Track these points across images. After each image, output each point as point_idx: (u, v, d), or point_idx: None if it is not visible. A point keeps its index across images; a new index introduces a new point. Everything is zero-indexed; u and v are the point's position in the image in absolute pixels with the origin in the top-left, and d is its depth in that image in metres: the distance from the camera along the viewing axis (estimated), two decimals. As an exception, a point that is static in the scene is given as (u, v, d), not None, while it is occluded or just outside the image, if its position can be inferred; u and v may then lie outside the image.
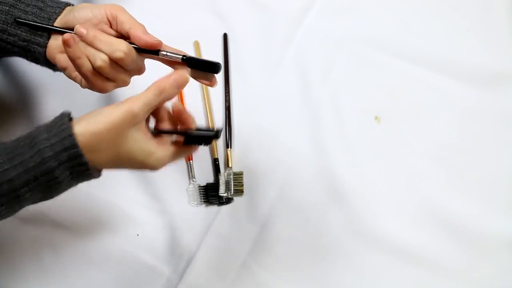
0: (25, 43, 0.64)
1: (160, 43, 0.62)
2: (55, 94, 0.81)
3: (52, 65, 0.66)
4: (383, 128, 0.83)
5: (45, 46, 0.64)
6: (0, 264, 0.72)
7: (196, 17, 0.90)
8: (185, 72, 0.60)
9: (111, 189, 0.76)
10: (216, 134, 0.58)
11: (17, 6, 0.63)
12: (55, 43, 0.64)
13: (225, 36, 0.89)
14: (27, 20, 0.63)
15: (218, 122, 0.82)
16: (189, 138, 0.58)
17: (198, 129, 0.59)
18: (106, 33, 0.62)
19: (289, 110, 0.84)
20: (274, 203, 0.78)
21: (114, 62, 0.61)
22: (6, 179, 0.51)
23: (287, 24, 0.89)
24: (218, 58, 0.87)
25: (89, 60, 0.61)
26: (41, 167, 0.52)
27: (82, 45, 0.60)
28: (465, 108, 0.84)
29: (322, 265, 0.74)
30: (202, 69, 0.63)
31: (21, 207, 0.54)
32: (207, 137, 0.59)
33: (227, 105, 0.83)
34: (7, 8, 0.63)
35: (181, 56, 0.62)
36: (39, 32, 0.63)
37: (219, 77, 0.85)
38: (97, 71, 0.61)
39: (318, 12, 0.90)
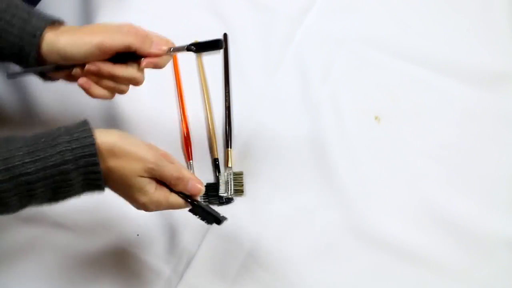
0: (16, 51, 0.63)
1: (164, 51, 0.64)
2: (56, 94, 0.81)
3: (43, 76, 0.67)
4: (383, 128, 0.83)
5: (35, 57, 0.63)
6: (0, 264, 0.72)
7: (196, 17, 0.90)
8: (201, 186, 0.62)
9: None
10: (219, 220, 0.62)
11: (3, 18, 0.62)
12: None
13: (225, 36, 0.88)
14: (23, 72, 0.65)
15: (218, 122, 0.82)
16: (196, 208, 0.62)
17: (206, 206, 0.63)
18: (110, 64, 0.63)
19: (289, 110, 0.84)
20: (274, 203, 0.77)
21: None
22: (24, 172, 0.53)
23: (287, 24, 0.89)
24: (218, 58, 0.87)
25: (108, 88, 0.64)
26: (58, 168, 0.54)
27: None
28: (465, 108, 0.84)
29: (322, 265, 0.74)
30: (208, 49, 0.65)
31: (27, 204, 0.56)
32: (211, 215, 0.62)
33: (227, 105, 0.83)
34: None
35: (186, 46, 0.64)
36: (27, 43, 0.62)
37: (219, 77, 0.86)
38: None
39: (318, 12, 0.90)
